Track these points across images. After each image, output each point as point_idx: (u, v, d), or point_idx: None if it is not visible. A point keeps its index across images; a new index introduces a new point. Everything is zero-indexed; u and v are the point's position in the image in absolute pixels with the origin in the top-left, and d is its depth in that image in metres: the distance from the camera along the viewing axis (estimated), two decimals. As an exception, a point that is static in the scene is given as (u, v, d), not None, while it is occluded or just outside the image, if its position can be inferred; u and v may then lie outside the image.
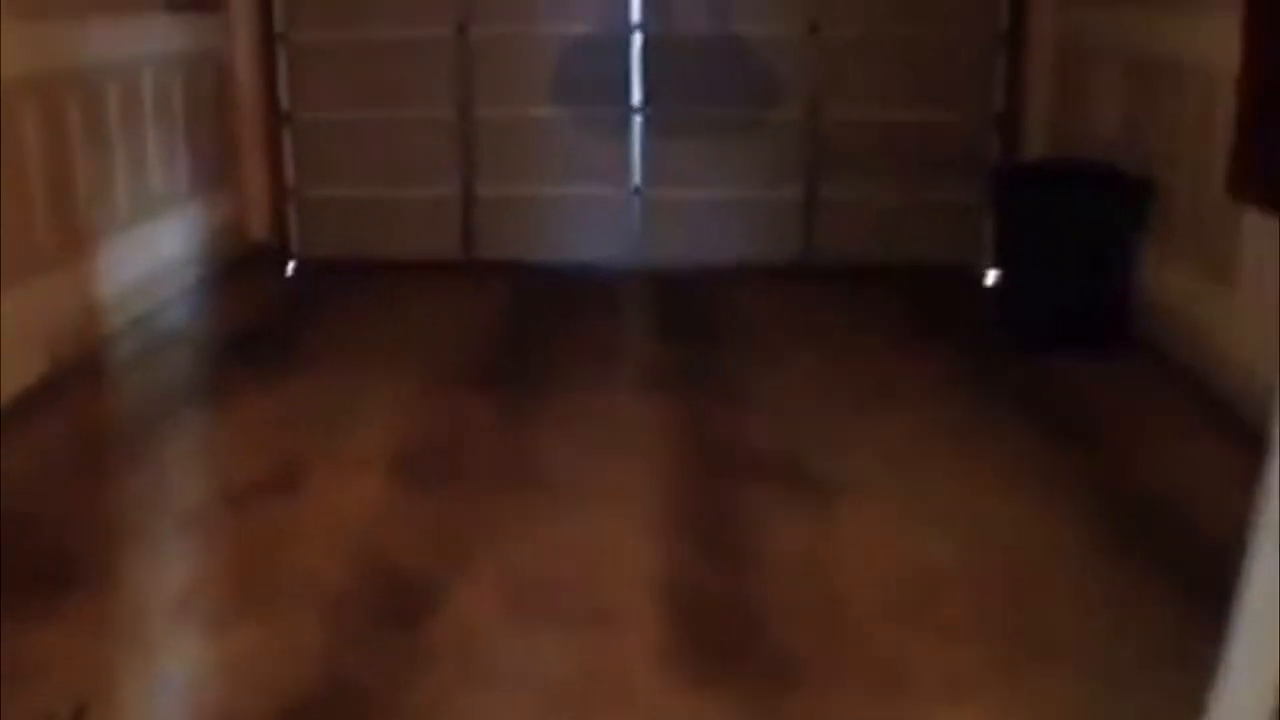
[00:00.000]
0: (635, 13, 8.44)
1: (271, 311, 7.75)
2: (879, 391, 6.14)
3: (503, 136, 8.61)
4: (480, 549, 4.41)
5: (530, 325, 7.45)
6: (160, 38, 7.61)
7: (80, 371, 6.26)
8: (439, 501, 4.83)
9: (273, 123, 8.72)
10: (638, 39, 8.47)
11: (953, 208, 8.58)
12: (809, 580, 4.22)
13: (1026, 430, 5.61)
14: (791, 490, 4.94)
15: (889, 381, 6.31)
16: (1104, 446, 5.46)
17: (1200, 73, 6.31)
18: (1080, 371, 6.40)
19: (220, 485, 4.97)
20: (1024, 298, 7.05)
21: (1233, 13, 5.83)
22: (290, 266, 8.74)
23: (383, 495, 4.87)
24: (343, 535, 4.52)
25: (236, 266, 8.47)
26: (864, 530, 4.62)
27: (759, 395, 6.12)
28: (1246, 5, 5.74)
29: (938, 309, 7.79)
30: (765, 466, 5.20)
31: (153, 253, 7.43)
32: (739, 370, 6.49)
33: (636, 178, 8.66)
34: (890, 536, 4.55)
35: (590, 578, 4.24)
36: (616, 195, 8.70)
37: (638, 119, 8.58)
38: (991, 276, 8.20)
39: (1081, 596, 4.13)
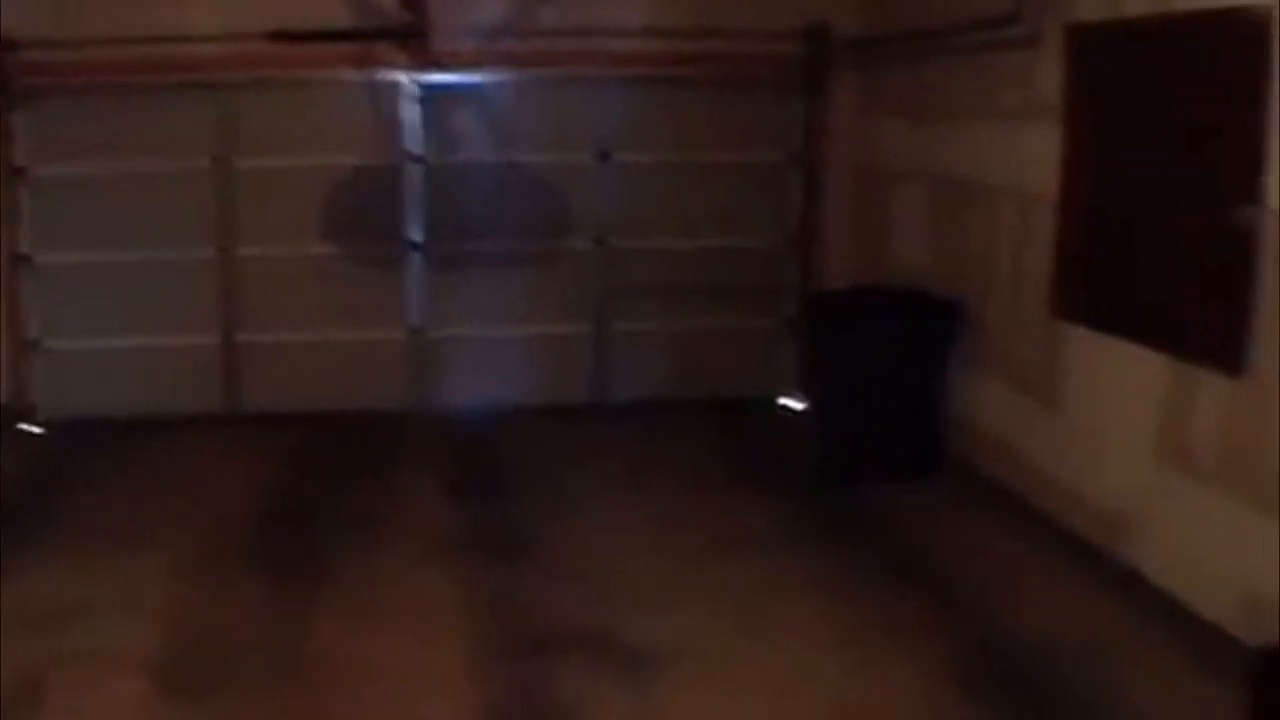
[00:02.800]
0: (412, 142, 7.93)
1: (6, 484, 6.77)
2: (695, 542, 5.73)
3: (268, 277, 7.95)
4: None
5: (304, 487, 6.72)
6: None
7: None
8: (210, 714, 4.20)
9: (12, 267, 7.87)
10: (415, 170, 7.96)
11: (751, 336, 8.35)
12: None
13: (863, 576, 5.33)
14: (609, 666, 4.48)
15: (703, 529, 5.92)
16: (940, 584, 5.25)
17: (1015, 193, 6.23)
18: (901, 501, 6.23)
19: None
20: (836, 428, 6.80)
21: (1046, 130, 5.77)
22: (31, 428, 7.83)
23: (142, 709, 4.21)
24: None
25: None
26: (695, 711, 4.20)
27: (562, 554, 5.64)
28: (1066, 130, 5.66)
29: (744, 443, 7.47)
30: (577, 639, 4.73)
31: None
32: (538, 526, 6.00)
33: (415, 317, 8.11)
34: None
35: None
36: (394, 337, 8.11)
37: (415, 255, 8.04)
38: (796, 405, 8.01)
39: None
